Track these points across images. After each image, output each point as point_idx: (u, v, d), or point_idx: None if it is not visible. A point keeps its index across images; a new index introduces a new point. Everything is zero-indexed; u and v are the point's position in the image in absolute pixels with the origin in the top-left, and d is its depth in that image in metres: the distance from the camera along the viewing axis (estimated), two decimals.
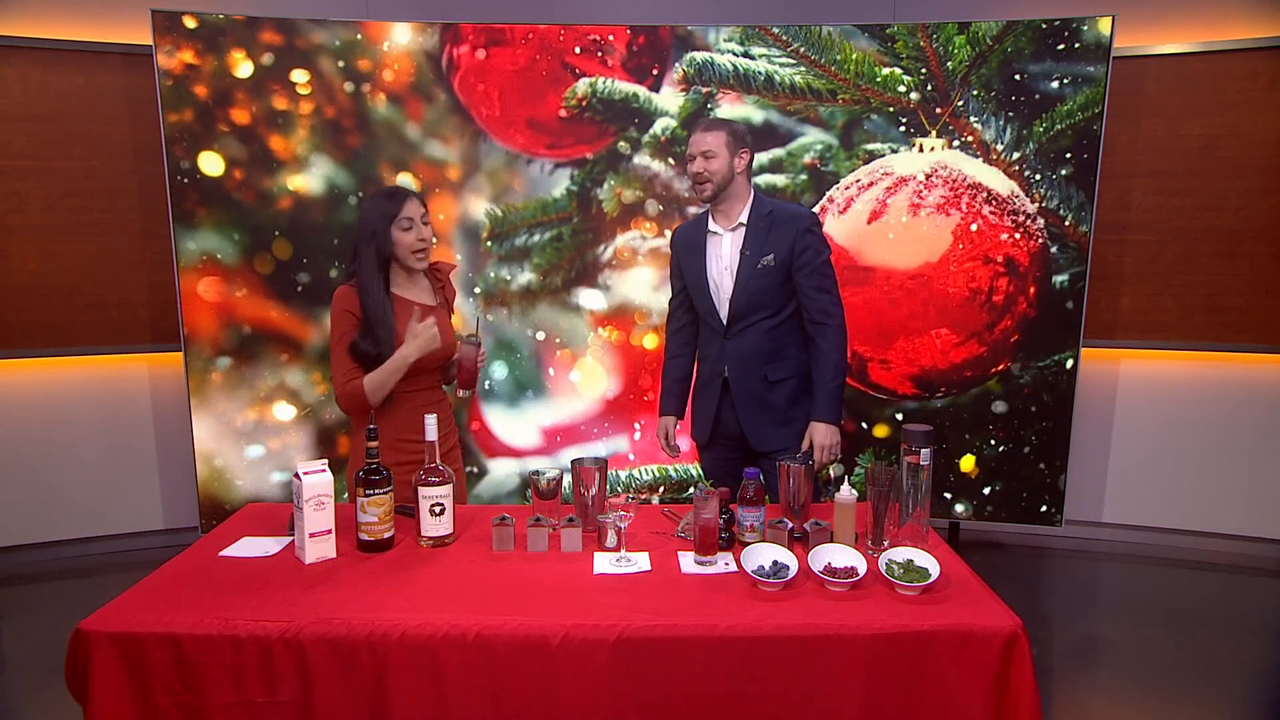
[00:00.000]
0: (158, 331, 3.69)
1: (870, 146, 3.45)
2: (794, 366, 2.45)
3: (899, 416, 3.59)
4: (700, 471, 2.71)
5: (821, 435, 2.39)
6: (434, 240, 2.34)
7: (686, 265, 2.53)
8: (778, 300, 2.42)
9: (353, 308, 2.19)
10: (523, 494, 3.64)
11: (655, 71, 3.46)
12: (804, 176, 3.48)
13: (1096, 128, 3.33)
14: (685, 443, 2.79)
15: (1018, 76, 3.35)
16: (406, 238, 2.20)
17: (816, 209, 3.49)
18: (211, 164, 3.36)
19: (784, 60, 3.42)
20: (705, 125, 2.42)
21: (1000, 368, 3.53)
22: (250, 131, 3.37)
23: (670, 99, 3.46)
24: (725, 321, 2.45)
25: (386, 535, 1.94)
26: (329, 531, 1.88)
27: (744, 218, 2.42)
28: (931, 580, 1.71)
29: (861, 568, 1.76)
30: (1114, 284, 3.73)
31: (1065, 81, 3.33)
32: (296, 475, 1.86)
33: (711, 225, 2.48)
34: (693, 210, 3.50)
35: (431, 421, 1.96)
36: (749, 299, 2.40)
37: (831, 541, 1.89)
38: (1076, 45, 3.30)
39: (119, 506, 3.80)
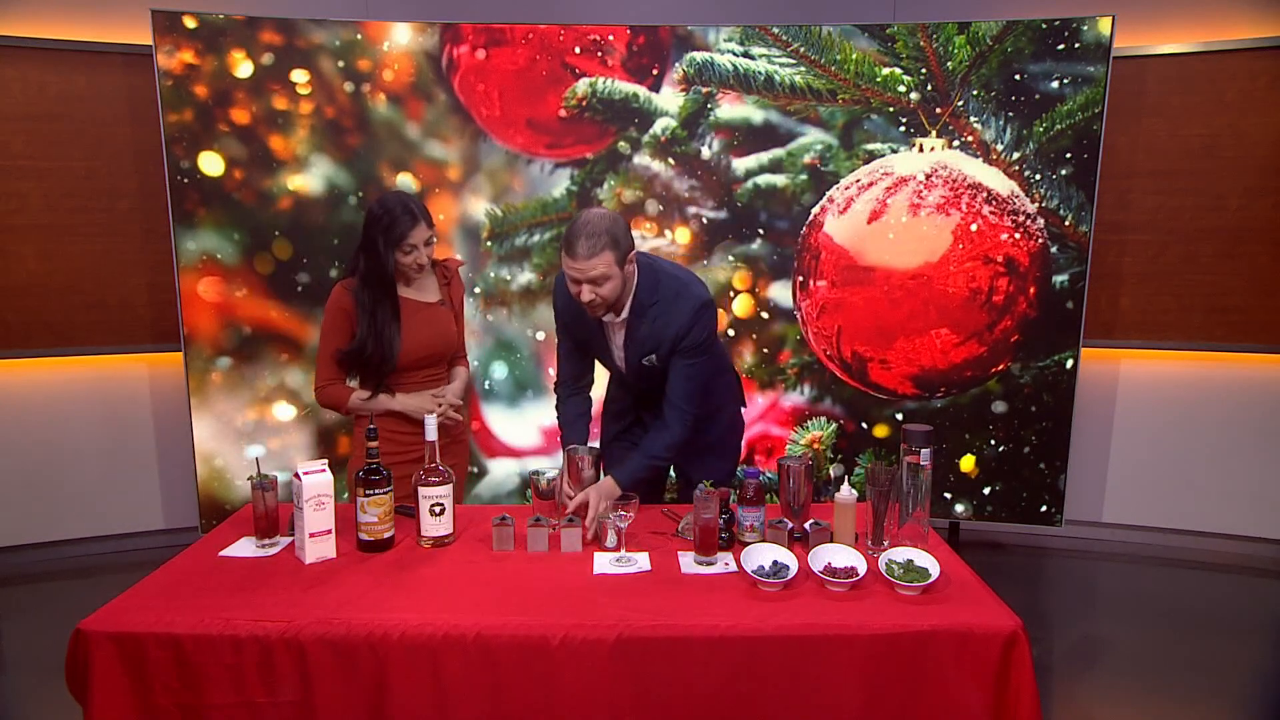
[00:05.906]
0: (158, 331, 3.69)
1: (870, 146, 3.45)
2: (720, 398, 2.34)
3: (899, 416, 3.59)
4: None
5: (600, 490, 2.02)
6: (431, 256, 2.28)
7: (578, 336, 2.29)
8: None
9: (347, 306, 2.21)
10: (523, 494, 3.64)
11: (655, 71, 3.46)
12: (804, 176, 3.48)
13: (1096, 128, 3.33)
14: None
15: (1018, 76, 3.35)
16: (406, 260, 2.20)
17: (817, 209, 3.49)
18: (211, 164, 3.36)
19: (784, 60, 3.42)
20: (586, 246, 1.94)
21: (1000, 368, 3.52)
22: (250, 131, 3.37)
23: (670, 99, 3.46)
24: (635, 393, 2.34)
25: (386, 535, 1.94)
26: (329, 531, 1.88)
27: (625, 313, 2.14)
28: (931, 580, 1.71)
29: (861, 568, 1.76)
30: (1114, 284, 3.73)
31: (1065, 81, 3.33)
32: (296, 475, 1.86)
33: None
34: (686, 212, 3.50)
35: (431, 421, 1.96)
36: (651, 384, 2.25)
37: (831, 541, 1.89)
38: (1076, 45, 3.30)
39: (119, 506, 3.80)
